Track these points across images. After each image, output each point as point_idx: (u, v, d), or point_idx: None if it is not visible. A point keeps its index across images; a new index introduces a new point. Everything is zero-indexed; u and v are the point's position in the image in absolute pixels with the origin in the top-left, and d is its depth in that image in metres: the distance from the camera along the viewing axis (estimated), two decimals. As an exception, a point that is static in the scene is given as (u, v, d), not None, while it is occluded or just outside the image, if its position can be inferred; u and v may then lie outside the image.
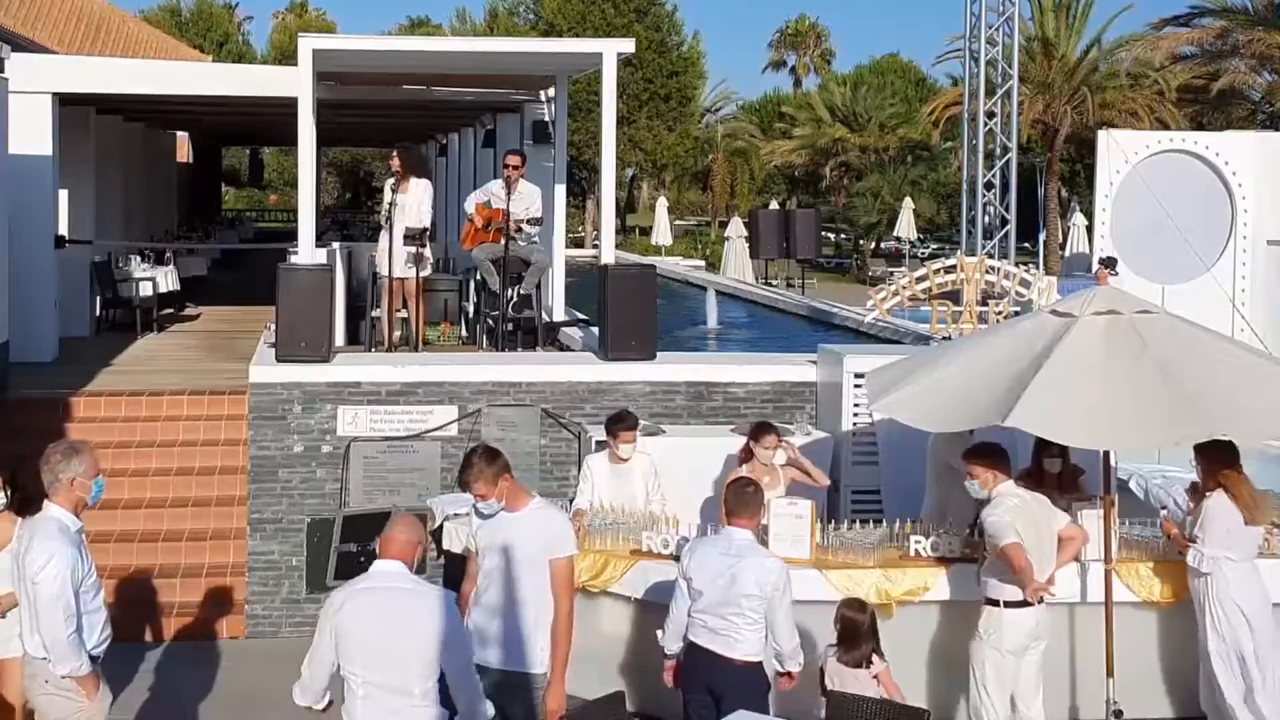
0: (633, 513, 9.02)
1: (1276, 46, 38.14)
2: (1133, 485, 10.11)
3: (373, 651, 5.52)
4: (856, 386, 10.68)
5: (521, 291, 13.05)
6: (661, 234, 36.78)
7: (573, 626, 6.50)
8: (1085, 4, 44.69)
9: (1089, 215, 24.38)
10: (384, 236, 12.96)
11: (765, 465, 9.09)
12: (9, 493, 7.26)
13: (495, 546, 6.49)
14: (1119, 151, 19.07)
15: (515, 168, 12.68)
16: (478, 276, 13.51)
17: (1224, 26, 40.16)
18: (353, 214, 51.17)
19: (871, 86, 66.45)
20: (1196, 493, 8.36)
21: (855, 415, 10.90)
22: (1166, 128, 36.01)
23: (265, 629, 10.87)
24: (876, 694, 7.17)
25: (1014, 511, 7.70)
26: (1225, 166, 19.07)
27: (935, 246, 57.16)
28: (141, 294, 17.00)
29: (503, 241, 12.62)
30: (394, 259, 12.76)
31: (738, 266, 29.31)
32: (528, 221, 12.74)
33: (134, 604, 10.36)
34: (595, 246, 34.05)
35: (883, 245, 60.03)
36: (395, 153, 13.34)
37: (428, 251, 13.22)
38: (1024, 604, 7.70)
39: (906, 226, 42.99)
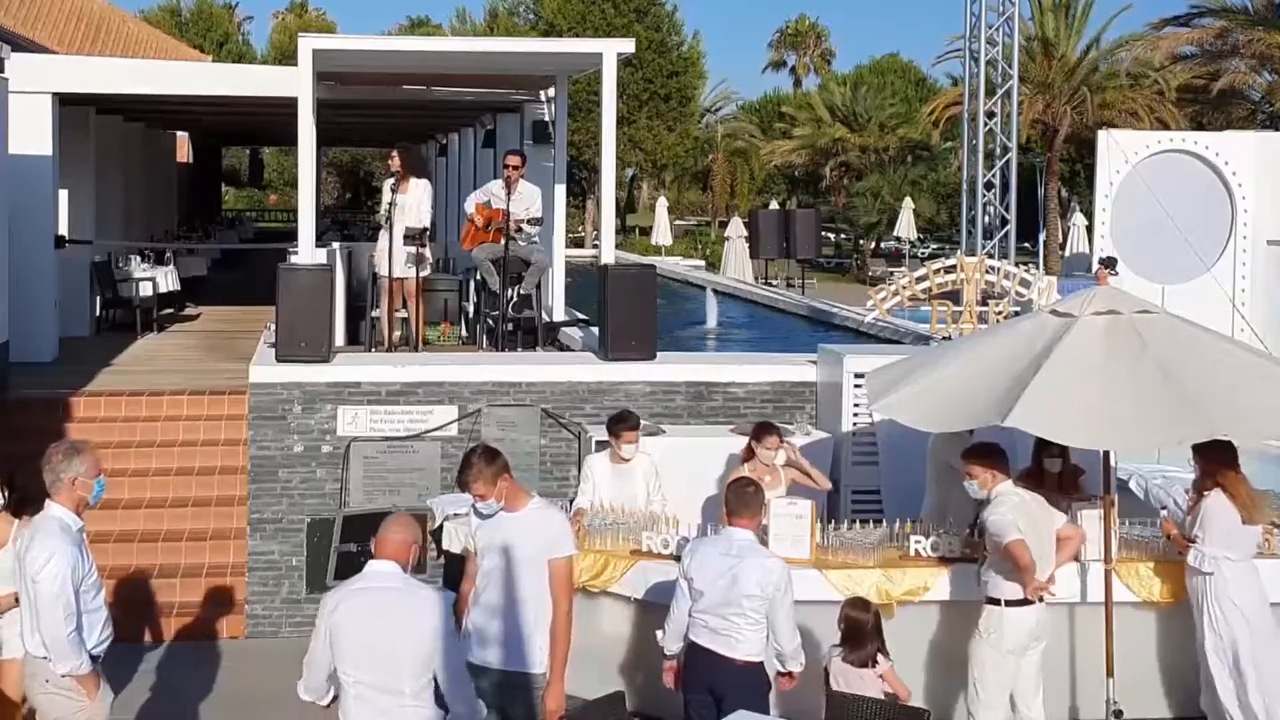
0: (633, 513, 9.02)
1: (1276, 46, 38.14)
2: (1133, 485, 10.11)
3: (364, 651, 5.53)
4: (856, 386, 10.68)
5: (521, 291, 13.05)
6: (661, 234, 36.79)
7: (572, 626, 6.50)
8: (1085, 4, 44.72)
9: (1089, 215, 24.39)
10: (383, 236, 12.96)
11: (767, 465, 9.09)
12: (7, 494, 7.26)
13: (494, 546, 6.49)
14: (1119, 151, 19.07)
15: (515, 168, 12.68)
16: (478, 276, 13.51)
17: (1224, 26, 40.16)
18: (353, 214, 51.17)
19: (871, 86, 66.44)
20: (1196, 492, 8.37)
21: (855, 415, 10.90)
22: (1166, 128, 36.02)
23: (265, 629, 10.88)
24: (882, 694, 7.16)
25: (1016, 510, 7.71)
26: (1225, 166, 19.08)
27: (935, 246, 57.17)
28: (141, 294, 16.99)
29: (503, 241, 12.62)
30: (394, 259, 12.76)
31: (738, 266, 29.31)
32: (528, 221, 12.74)
33: (134, 604, 10.36)
34: (595, 246, 34.04)
35: (883, 245, 60.04)
36: (395, 152, 13.33)
37: (427, 251, 13.23)
38: (1025, 602, 7.70)
39: (906, 226, 43.00)
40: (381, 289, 13.13)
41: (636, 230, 63.46)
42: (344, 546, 10.54)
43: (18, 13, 22.49)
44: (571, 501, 9.61)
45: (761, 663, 6.90)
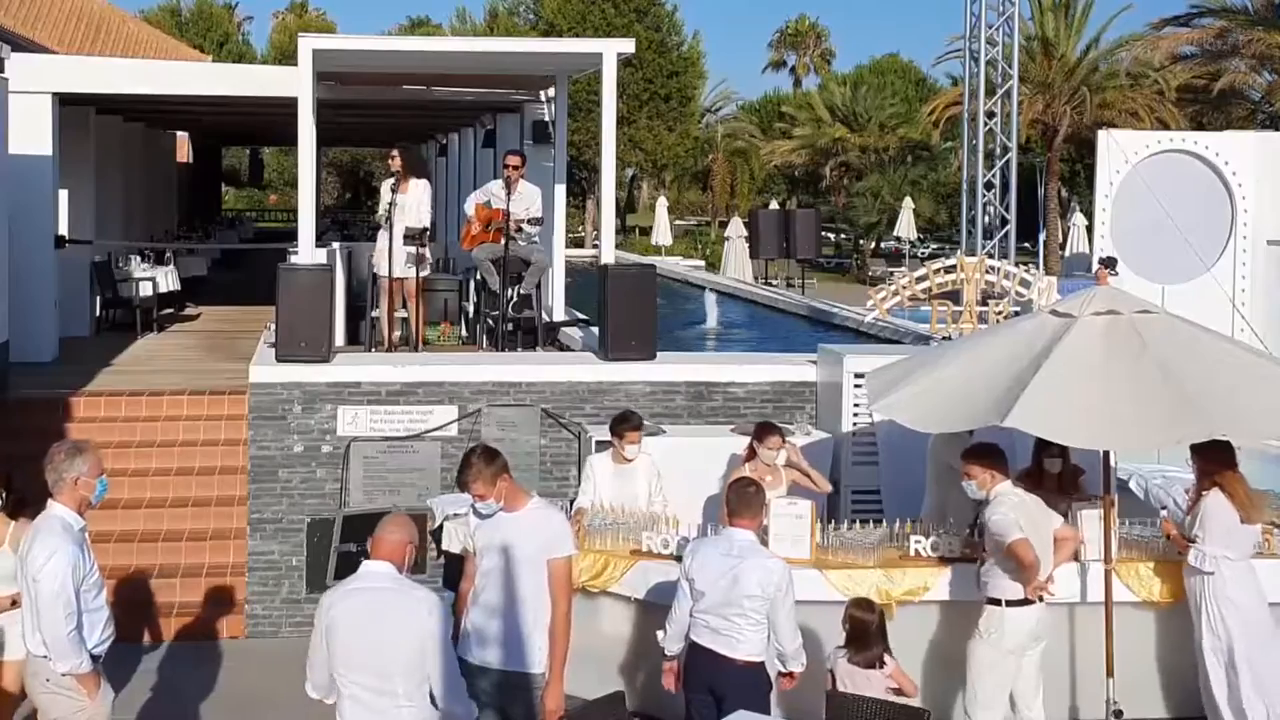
0: (633, 513, 9.02)
1: (1276, 46, 38.14)
2: (1133, 485, 10.11)
3: (357, 652, 5.55)
4: (856, 386, 10.68)
5: (521, 291, 13.05)
6: (661, 234, 36.78)
7: (571, 626, 6.49)
8: (1085, 4, 44.72)
9: (1089, 215, 24.39)
10: (383, 236, 12.96)
11: (768, 465, 9.09)
12: (5, 495, 7.27)
13: (493, 546, 6.49)
14: (1119, 151, 19.07)
15: (515, 168, 12.68)
16: (478, 276, 13.51)
17: (1224, 26, 40.16)
18: (353, 214, 51.16)
19: (871, 86, 66.45)
20: (1195, 492, 8.38)
21: (855, 415, 10.90)
22: (1167, 128, 36.03)
23: (265, 629, 10.88)
24: (889, 693, 7.15)
25: (1016, 509, 7.71)
26: (1225, 166, 19.08)
27: (935, 246, 57.19)
28: (141, 294, 17.00)
29: (503, 241, 12.62)
30: (394, 259, 12.76)
31: (738, 266, 29.31)
32: (528, 221, 12.74)
33: (134, 604, 10.36)
34: (595, 246, 34.04)
35: (883, 245, 60.05)
36: (396, 152, 13.33)
37: (427, 251, 13.22)
38: (1026, 602, 7.71)
39: (906, 226, 43.00)
40: (381, 289, 13.14)
41: (636, 230, 63.47)
42: (344, 546, 10.52)
43: (18, 13, 22.50)
44: (572, 502, 9.62)
45: (763, 663, 6.90)
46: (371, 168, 66.21)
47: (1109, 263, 18.22)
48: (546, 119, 16.35)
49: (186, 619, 10.62)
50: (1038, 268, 18.17)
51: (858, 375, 10.61)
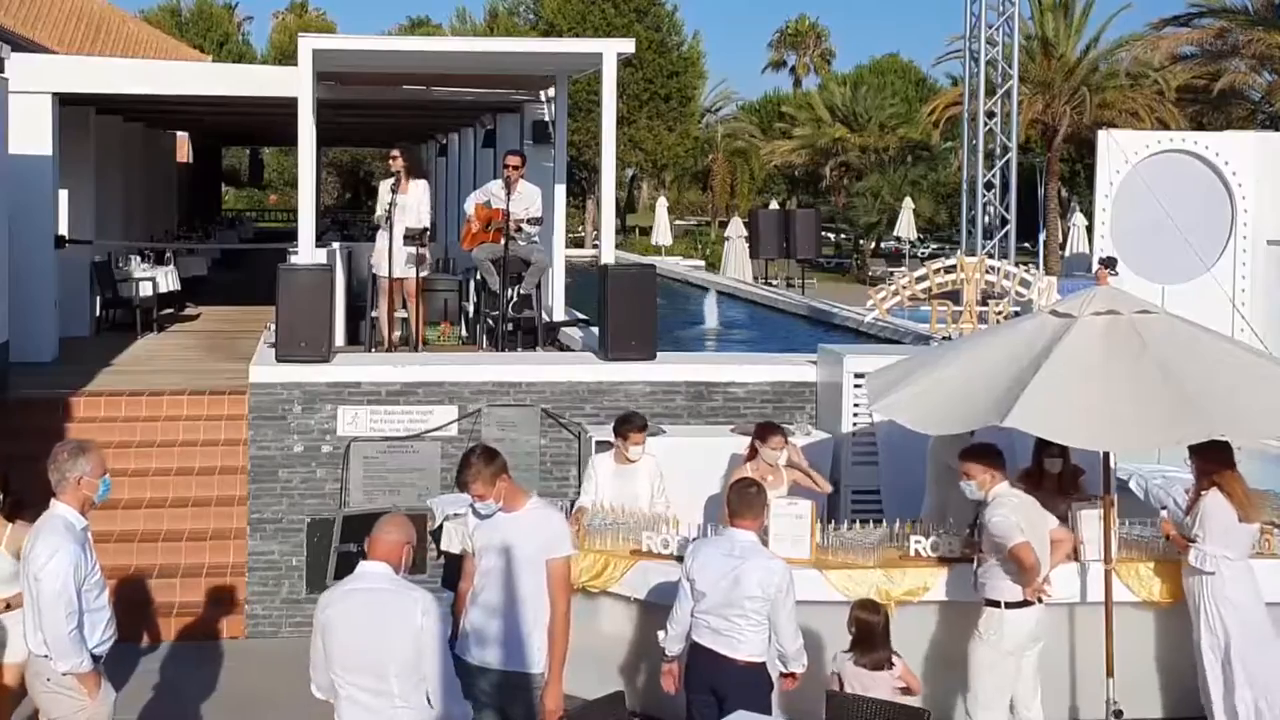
0: (633, 513, 9.02)
1: (1276, 46, 38.15)
2: (1133, 485, 10.11)
3: (353, 652, 5.55)
4: (856, 387, 10.68)
5: (521, 291, 13.05)
6: (661, 234, 36.78)
7: (570, 626, 6.49)
8: (1085, 4, 44.74)
9: (1089, 215, 24.39)
10: (382, 237, 12.96)
11: (770, 465, 9.09)
12: (2, 497, 7.27)
13: (493, 547, 6.48)
14: (1119, 151, 19.08)
15: (515, 168, 12.68)
16: (478, 276, 13.51)
17: (1223, 26, 40.18)
18: (353, 214, 51.12)
19: (871, 86, 66.45)
20: (1194, 492, 8.38)
21: (855, 415, 10.89)
22: (1167, 128, 36.03)
23: (265, 629, 10.88)
24: (895, 694, 7.14)
25: (1016, 511, 7.71)
26: (1225, 166, 19.10)
27: (935, 246, 57.19)
28: (141, 294, 17.00)
29: (503, 241, 12.62)
30: (394, 259, 12.77)
31: (738, 266, 29.31)
32: (528, 221, 12.74)
33: (134, 604, 10.34)
34: (595, 246, 34.05)
35: (883, 245, 60.05)
36: (397, 153, 13.33)
37: (427, 252, 13.22)
38: (1025, 604, 7.70)
39: (906, 226, 43.00)
40: (381, 289, 13.13)
41: (636, 230, 63.46)
42: (344, 546, 10.52)
43: (18, 13, 22.50)
44: (573, 503, 9.61)
45: (764, 663, 6.89)
46: (371, 168, 66.19)
47: (1109, 263, 18.23)
48: (546, 119, 16.35)
49: (186, 619, 10.62)
50: (1038, 268, 18.16)
51: (858, 375, 10.61)
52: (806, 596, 7.73)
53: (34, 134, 13.66)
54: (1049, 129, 43.04)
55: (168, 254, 19.22)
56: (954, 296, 14.10)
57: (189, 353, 15.24)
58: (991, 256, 19.67)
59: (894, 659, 7.32)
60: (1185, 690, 8.46)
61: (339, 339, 12.62)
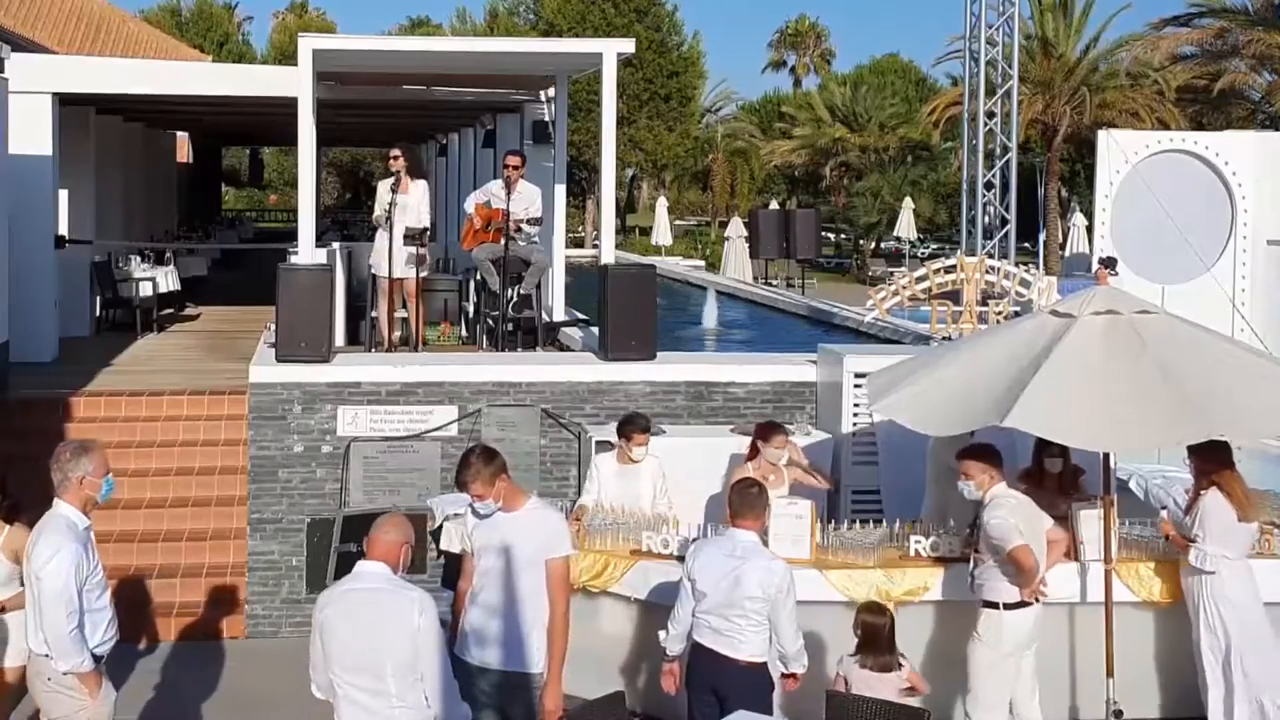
0: (634, 513, 9.02)
1: (1276, 46, 38.17)
2: (1133, 485, 10.11)
3: (350, 652, 5.56)
4: (856, 386, 10.68)
5: (521, 291, 13.05)
6: (661, 234, 36.78)
7: (569, 626, 6.49)
8: (1085, 4, 44.75)
9: (1089, 215, 24.39)
10: (381, 237, 12.96)
11: (771, 465, 9.09)
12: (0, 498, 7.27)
13: (492, 546, 6.48)
14: (1119, 151, 19.08)
15: (515, 168, 12.68)
16: (478, 276, 13.51)
17: (1223, 26, 40.21)
18: (353, 214, 51.11)
19: (871, 86, 66.46)
20: (1193, 492, 8.38)
21: (855, 415, 10.89)
22: (1167, 128, 36.03)
23: (265, 629, 10.88)
24: (902, 696, 7.13)
25: (1014, 512, 7.71)
26: (1225, 166, 19.09)
27: (935, 246, 57.19)
28: (141, 294, 16.99)
29: (503, 241, 12.62)
30: (394, 259, 12.77)
31: (738, 266, 29.30)
32: (528, 221, 12.74)
33: (134, 604, 10.33)
34: (595, 246, 34.05)
35: (883, 245, 60.05)
36: (398, 152, 13.33)
37: (426, 252, 13.22)
38: (1023, 605, 7.70)
39: (906, 226, 43.00)
40: (381, 289, 13.13)
41: (636, 230, 63.46)
42: (344, 546, 10.52)
43: (18, 13, 22.50)
44: (573, 503, 9.61)
45: (765, 663, 6.89)
46: (371, 168, 66.15)
47: (1109, 263, 18.22)
48: (546, 119, 16.36)
49: (187, 619, 10.63)
50: (1038, 268, 18.17)
51: (858, 375, 10.61)
52: (807, 597, 7.72)
53: (34, 134, 13.66)
54: (1049, 129, 43.05)
55: (168, 254, 19.22)
56: (954, 296, 14.10)
57: (189, 353, 15.24)
58: (991, 256, 19.67)
59: (901, 661, 7.31)
60: (1185, 690, 8.46)
61: (339, 339, 12.62)
